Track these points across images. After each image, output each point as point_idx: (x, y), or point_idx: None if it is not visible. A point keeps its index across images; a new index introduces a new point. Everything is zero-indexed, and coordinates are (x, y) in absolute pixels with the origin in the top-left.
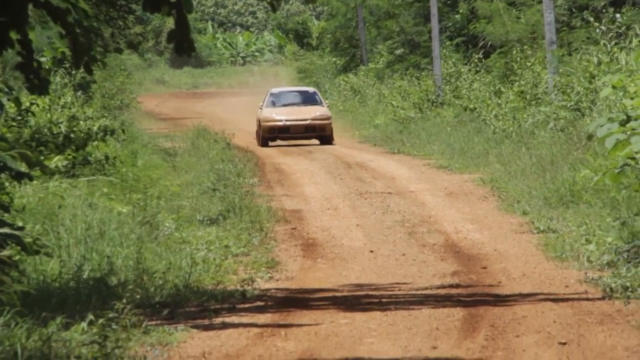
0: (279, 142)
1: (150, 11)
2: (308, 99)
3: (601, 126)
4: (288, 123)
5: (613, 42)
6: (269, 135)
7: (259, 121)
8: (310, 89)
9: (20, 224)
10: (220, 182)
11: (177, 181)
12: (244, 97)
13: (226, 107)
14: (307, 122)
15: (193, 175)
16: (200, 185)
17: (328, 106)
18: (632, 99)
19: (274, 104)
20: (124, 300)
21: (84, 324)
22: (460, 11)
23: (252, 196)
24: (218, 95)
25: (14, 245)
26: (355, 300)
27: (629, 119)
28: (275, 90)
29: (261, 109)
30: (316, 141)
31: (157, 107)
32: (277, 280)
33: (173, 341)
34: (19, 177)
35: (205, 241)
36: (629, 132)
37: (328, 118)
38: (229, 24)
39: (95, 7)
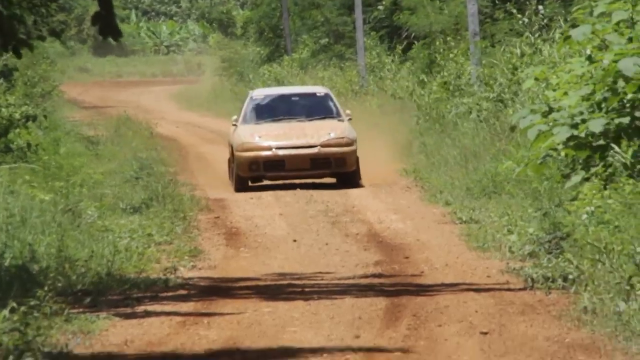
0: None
1: None
2: (316, 108)
3: (524, 117)
4: (281, 153)
5: (536, 34)
6: (249, 173)
7: (232, 148)
8: (320, 90)
9: None
10: (144, 171)
11: (100, 169)
12: (168, 87)
13: (150, 96)
14: (315, 150)
15: (116, 163)
16: (123, 173)
17: (350, 119)
18: (554, 90)
19: (257, 117)
20: (46, 288)
21: (5, 312)
22: (384, 2)
23: (175, 185)
24: (142, 84)
25: None
26: (278, 289)
27: (551, 110)
28: (258, 93)
29: (235, 126)
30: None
31: (80, 95)
32: (200, 268)
33: (95, 329)
34: None
35: (128, 229)
36: (551, 124)
37: (350, 142)
38: (153, 13)
39: None
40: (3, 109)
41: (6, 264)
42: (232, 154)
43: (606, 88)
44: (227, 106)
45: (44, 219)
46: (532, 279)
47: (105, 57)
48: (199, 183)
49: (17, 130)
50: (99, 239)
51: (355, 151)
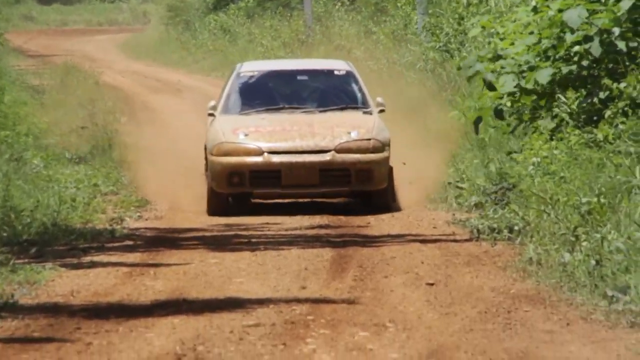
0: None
1: None
2: (332, 94)
3: (470, 67)
4: (276, 160)
5: None
6: (227, 187)
7: (206, 151)
8: (340, 65)
9: None
10: (90, 120)
11: (45, 118)
12: (114, 35)
13: (96, 45)
14: (327, 157)
15: (62, 112)
16: (69, 123)
17: (382, 110)
18: (501, 39)
19: (244, 105)
20: None
21: None
22: None
23: (122, 135)
24: (87, 33)
25: None
26: (225, 240)
27: (498, 57)
28: (248, 68)
29: (213, 116)
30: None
31: (25, 44)
32: (146, 219)
33: (41, 280)
34: None
35: (73, 179)
36: (498, 70)
37: (380, 147)
38: None
39: None
40: None
41: None
42: (207, 160)
43: (553, 37)
44: (173, 56)
45: None
46: (478, 230)
47: (50, 5)
48: (145, 133)
49: None
50: (44, 189)
51: (387, 159)
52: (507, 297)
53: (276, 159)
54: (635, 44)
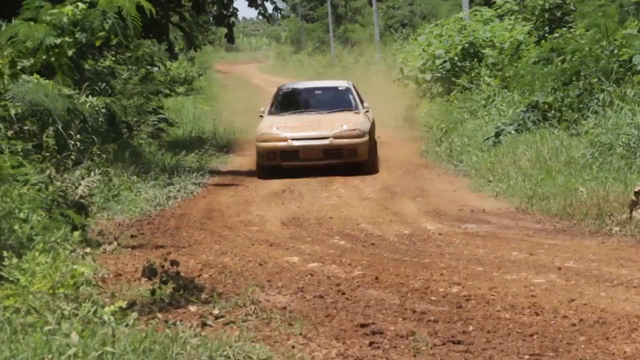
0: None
1: None
2: (335, 101)
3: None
4: (295, 144)
5: None
6: (267, 161)
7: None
8: (342, 84)
9: None
10: (247, 98)
11: (230, 95)
12: (255, 64)
13: (247, 68)
14: (327, 141)
15: (236, 95)
16: (239, 98)
17: (367, 111)
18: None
19: (280, 109)
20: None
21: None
22: None
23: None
24: (243, 63)
25: None
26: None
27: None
28: (286, 86)
29: (262, 117)
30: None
31: (220, 68)
32: None
33: (227, 159)
34: None
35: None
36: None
37: (362, 134)
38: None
39: None
40: None
41: None
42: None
43: (430, 60)
44: (282, 72)
45: None
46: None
47: (229, 51)
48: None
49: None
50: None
51: (367, 142)
52: (415, 166)
53: (295, 143)
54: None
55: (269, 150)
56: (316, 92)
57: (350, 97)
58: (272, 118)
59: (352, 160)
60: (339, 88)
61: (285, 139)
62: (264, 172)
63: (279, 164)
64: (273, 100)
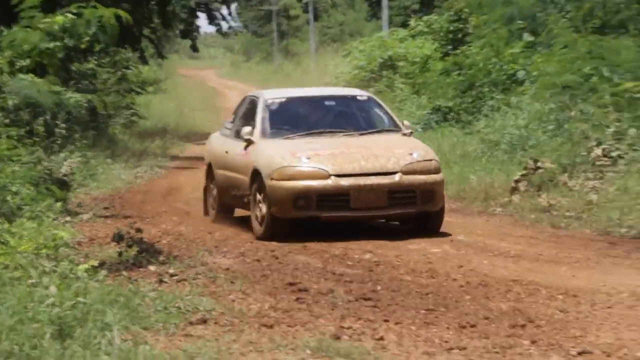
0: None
1: None
2: (363, 118)
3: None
4: (344, 183)
5: None
6: (293, 211)
7: (249, 174)
8: (359, 93)
9: None
10: (204, 96)
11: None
12: (213, 70)
13: (206, 73)
14: (393, 179)
15: (196, 93)
16: (199, 96)
17: (412, 132)
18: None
19: (282, 129)
20: None
21: None
22: None
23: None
24: (204, 69)
25: None
26: None
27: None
28: (271, 95)
29: (250, 141)
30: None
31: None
32: None
33: None
34: None
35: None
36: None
37: (438, 168)
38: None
39: None
40: None
41: None
42: (208, 176)
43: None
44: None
45: None
46: None
47: (192, 60)
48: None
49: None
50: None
51: (443, 180)
52: None
53: (344, 182)
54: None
55: (299, 194)
56: (327, 103)
57: (381, 111)
58: (283, 143)
59: (427, 208)
60: (359, 98)
61: (327, 175)
62: (281, 230)
63: (314, 215)
64: (260, 116)
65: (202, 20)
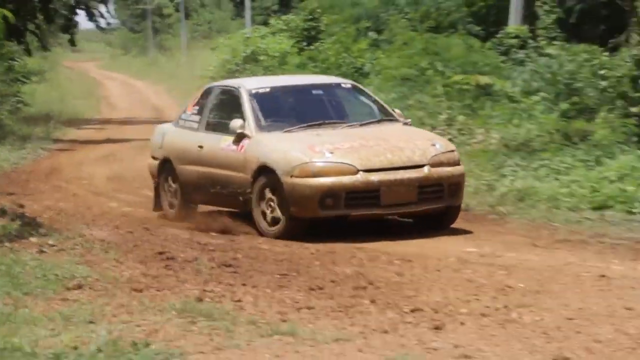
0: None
1: None
2: (356, 108)
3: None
4: (375, 178)
5: None
6: (320, 211)
7: (249, 172)
8: (340, 81)
9: None
10: (86, 86)
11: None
12: (95, 62)
13: (89, 65)
14: (424, 172)
15: (78, 83)
16: (80, 86)
17: (410, 122)
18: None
19: (279, 121)
20: None
21: None
22: None
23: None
24: (86, 61)
25: None
26: None
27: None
28: (254, 85)
29: (246, 136)
30: None
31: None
32: None
33: None
34: None
35: None
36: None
37: (458, 159)
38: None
39: None
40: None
41: None
42: (158, 174)
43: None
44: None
45: None
46: None
47: (75, 53)
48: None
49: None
50: None
51: (464, 173)
52: None
53: (374, 177)
54: None
55: (327, 192)
56: (314, 92)
57: (368, 99)
58: (291, 136)
59: (453, 203)
60: (343, 86)
61: (355, 170)
62: (300, 230)
63: (342, 214)
64: (247, 108)
65: (82, 17)
